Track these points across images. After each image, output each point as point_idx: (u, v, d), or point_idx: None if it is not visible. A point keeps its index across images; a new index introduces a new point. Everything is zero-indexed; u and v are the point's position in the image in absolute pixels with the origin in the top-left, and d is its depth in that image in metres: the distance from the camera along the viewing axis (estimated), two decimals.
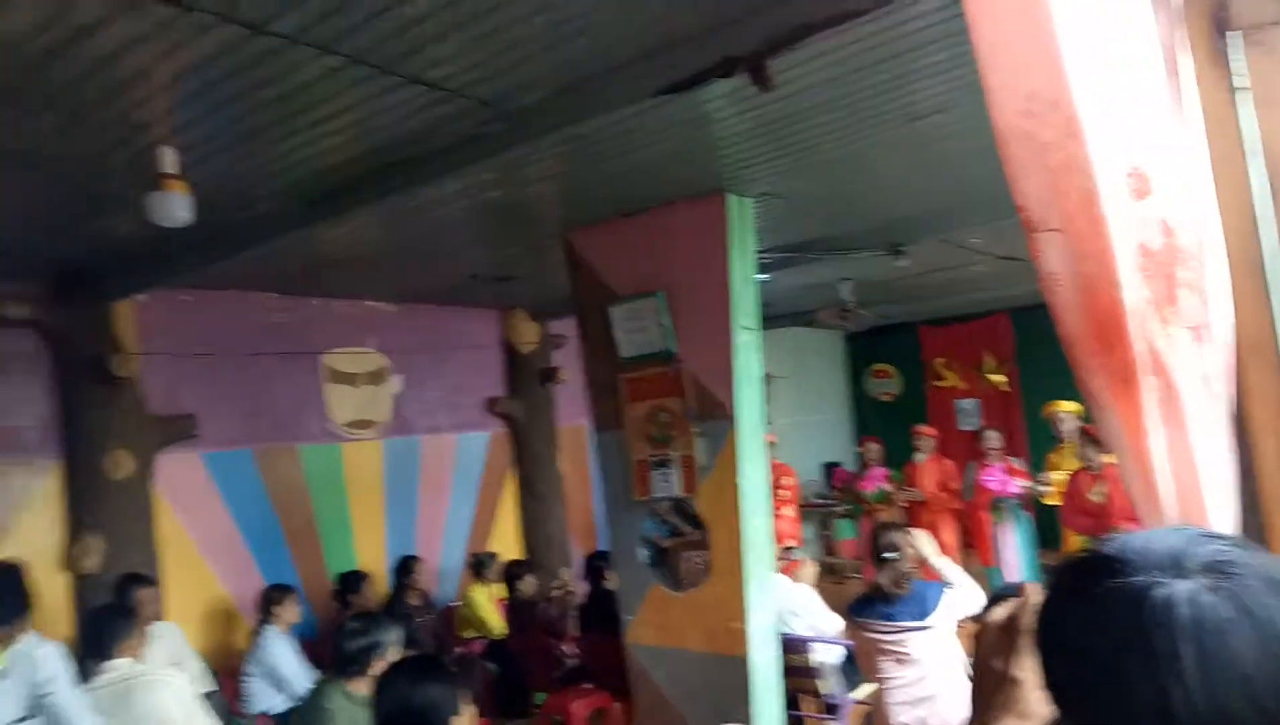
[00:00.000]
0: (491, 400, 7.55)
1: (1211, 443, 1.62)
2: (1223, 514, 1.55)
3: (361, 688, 3.02)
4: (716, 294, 4.37)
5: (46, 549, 5.04)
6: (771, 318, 5.30)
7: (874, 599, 3.63)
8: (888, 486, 7.49)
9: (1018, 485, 6.89)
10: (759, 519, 4.52)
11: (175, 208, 2.60)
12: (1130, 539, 0.72)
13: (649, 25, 2.59)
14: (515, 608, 6.15)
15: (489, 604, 6.34)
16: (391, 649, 3.09)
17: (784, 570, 5.27)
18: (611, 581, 5.45)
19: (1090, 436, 5.77)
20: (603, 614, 5.29)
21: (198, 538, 5.75)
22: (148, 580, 4.82)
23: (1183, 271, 1.54)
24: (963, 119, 3.49)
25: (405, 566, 6.27)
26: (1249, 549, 0.69)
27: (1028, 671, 0.86)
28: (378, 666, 3.01)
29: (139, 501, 5.29)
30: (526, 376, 7.67)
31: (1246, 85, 1.58)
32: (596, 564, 5.80)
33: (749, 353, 4.49)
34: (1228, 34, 1.59)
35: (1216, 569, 0.66)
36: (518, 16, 2.49)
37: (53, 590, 4.90)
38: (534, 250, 5.36)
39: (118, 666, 3.23)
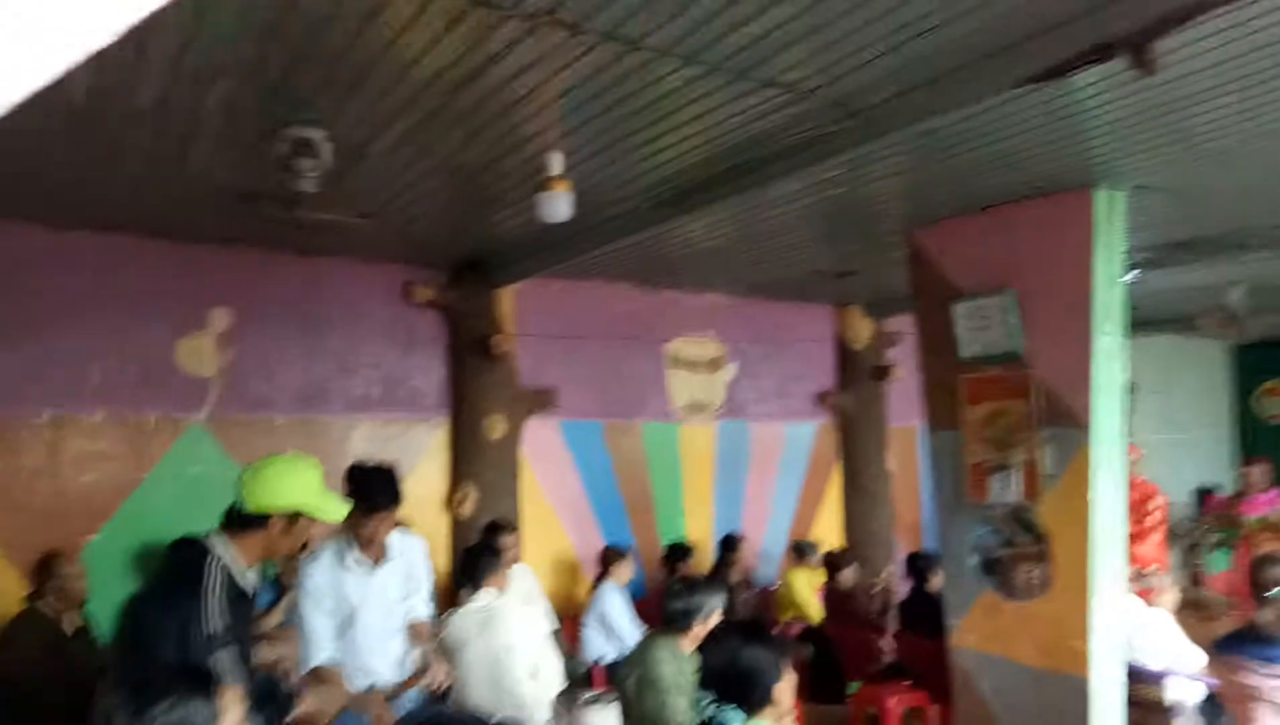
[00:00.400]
0: (822, 393, 7.60)
1: None
2: None
3: (685, 645, 3.23)
4: (1075, 294, 4.05)
5: (434, 494, 5.94)
6: (1139, 323, 4.80)
7: (1251, 637, 3.20)
8: (1272, 515, 6.43)
9: None
10: (1111, 535, 4.16)
11: (559, 205, 2.96)
12: None
13: (1010, 15, 2.49)
14: (833, 596, 6.18)
15: (809, 589, 6.43)
16: (713, 614, 3.26)
17: (1140, 594, 4.78)
18: (935, 583, 5.29)
19: None
20: (923, 614, 5.17)
21: (552, 496, 6.43)
22: (511, 527, 5.46)
23: None
24: None
25: (730, 543, 6.52)
26: None
27: None
28: (699, 628, 3.21)
29: (508, 460, 6.04)
30: (858, 372, 7.62)
31: None
32: (920, 564, 5.66)
33: (1110, 359, 4.12)
34: None
35: None
36: (871, 16, 2.51)
37: (437, 529, 5.77)
38: (873, 246, 5.32)
39: (484, 597, 3.68)
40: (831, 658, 5.92)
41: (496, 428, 5.92)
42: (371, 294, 5.77)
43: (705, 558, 6.70)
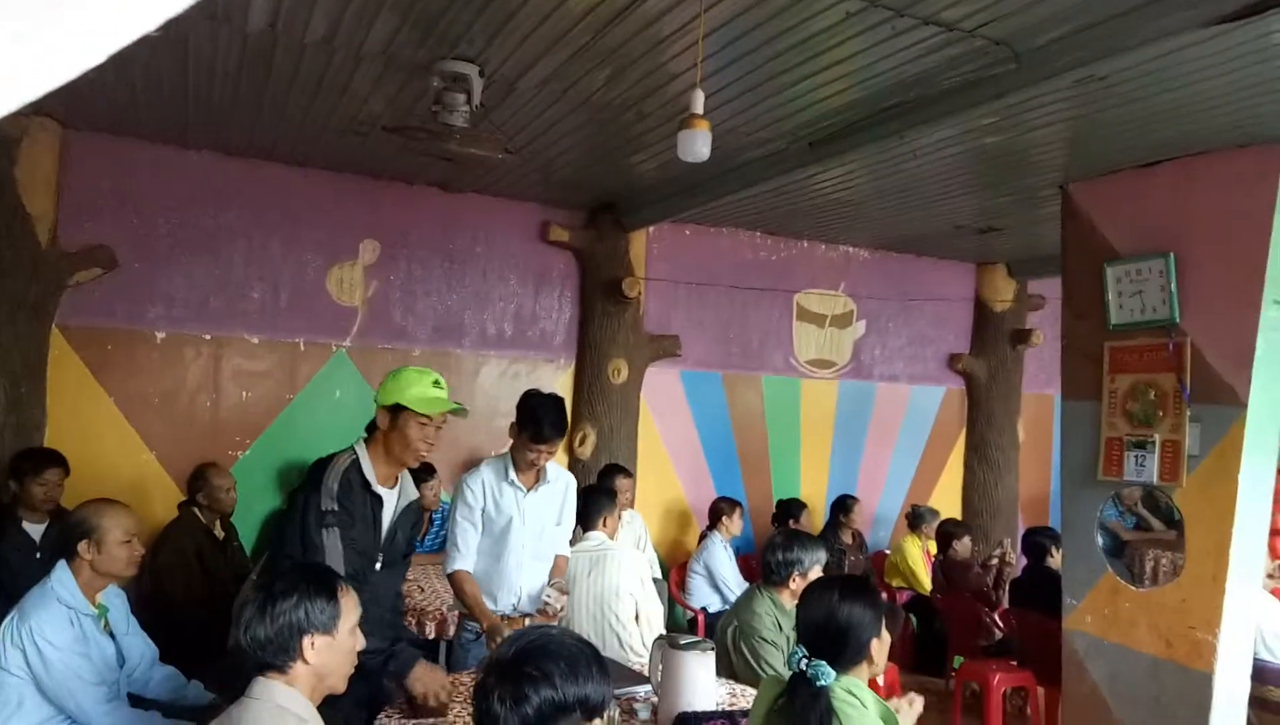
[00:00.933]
0: (953, 356, 7.37)
1: None
2: None
3: (785, 597, 3.23)
4: (1247, 261, 3.77)
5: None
6: None
7: None
8: None
9: None
10: (1254, 524, 3.91)
11: (699, 144, 2.95)
12: None
13: None
14: (946, 567, 6.04)
15: (919, 557, 6.31)
16: (813, 568, 3.24)
17: (1274, 592, 4.50)
18: (1055, 560, 5.10)
19: None
20: (1039, 592, 5.00)
21: (668, 444, 6.50)
22: (627, 472, 5.57)
23: None
24: None
25: (843, 504, 6.48)
26: None
27: None
28: (797, 581, 3.20)
29: (629, 405, 6.12)
30: (994, 336, 7.34)
31: None
32: (1040, 540, 5.45)
33: (1278, 333, 3.83)
34: None
35: None
36: None
37: None
38: (1023, 201, 5.09)
39: (596, 537, 3.75)
40: (937, 629, 5.83)
41: (620, 372, 6.01)
42: (509, 233, 5.91)
43: (818, 517, 6.68)
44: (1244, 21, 2.38)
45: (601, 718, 1.56)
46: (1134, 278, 4.17)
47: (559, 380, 6.11)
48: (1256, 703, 4.07)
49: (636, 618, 3.72)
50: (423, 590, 4.38)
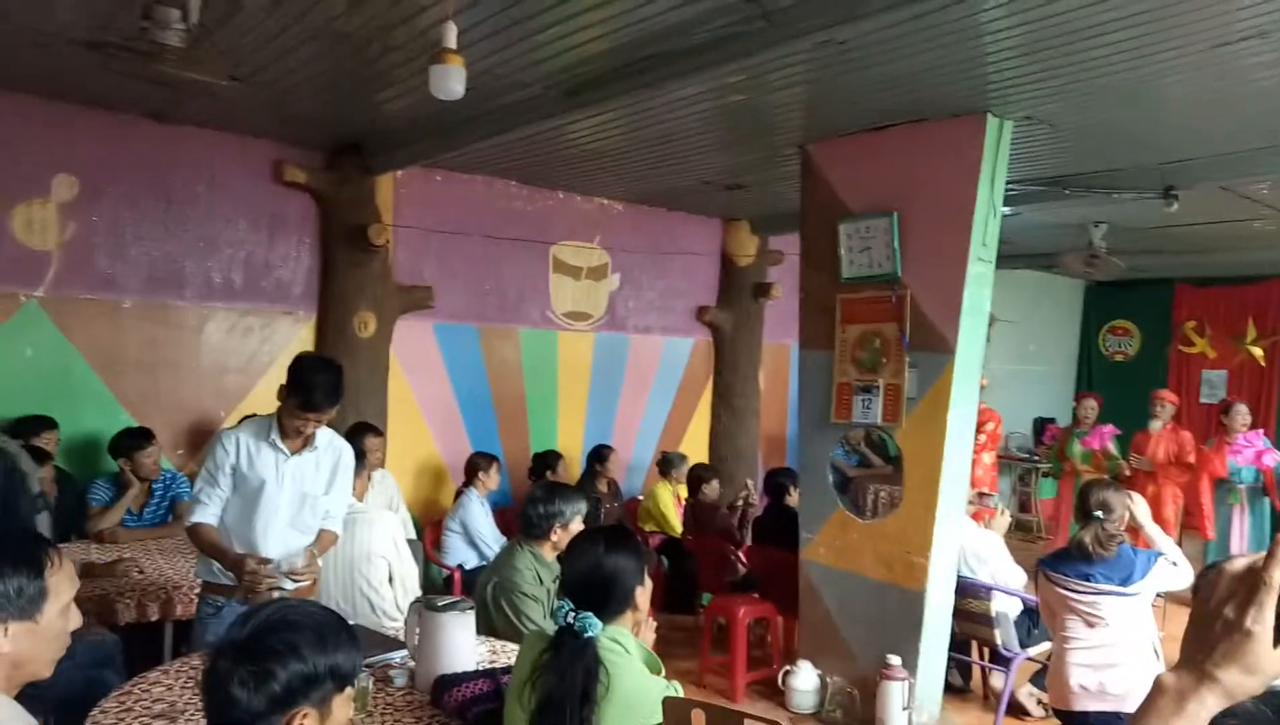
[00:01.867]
0: (701, 308, 7.66)
1: None
2: None
3: (546, 550, 3.23)
4: (956, 221, 4.18)
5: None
6: (1005, 257, 5.01)
7: (1071, 556, 3.46)
8: (1110, 447, 6.97)
9: (1272, 459, 6.27)
10: (959, 459, 4.40)
11: (452, 80, 2.79)
12: None
13: None
14: (696, 510, 6.34)
15: (670, 502, 6.57)
16: (574, 520, 3.25)
17: (975, 516, 5.12)
18: (793, 499, 5.50)
19: None
20: (779, 530, 5.37)
21: (421, 400, 6.27)
22: (377, 431, 5.32)
23: None
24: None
25: (599, 454, 6.59)
26: None
27: (1263, 625, 0.84)
28: (559, 534, 3.21)
29: (377, 360, 5.83)
30: (739, 289, 7.71)
31: None
32: (780, 481, 5.85)
33: (981, 287, 4.30)
34: None
35: None
36: None
37: None
38: (767, 160, 5.31)
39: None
40: (688, 570, 6.11)
41: (366, 325, 5.69)
42: (238, 172, 5.36)
43: (575, 468, 6.75)
44: None
45: (352, 685, 1.49)
46: (863, 235, 4.50)
47: (299, 334, 5.69)
48: (959, 614, 4.62)
49: (390, 581, 3.62)
50: (142, 571, 3.93)
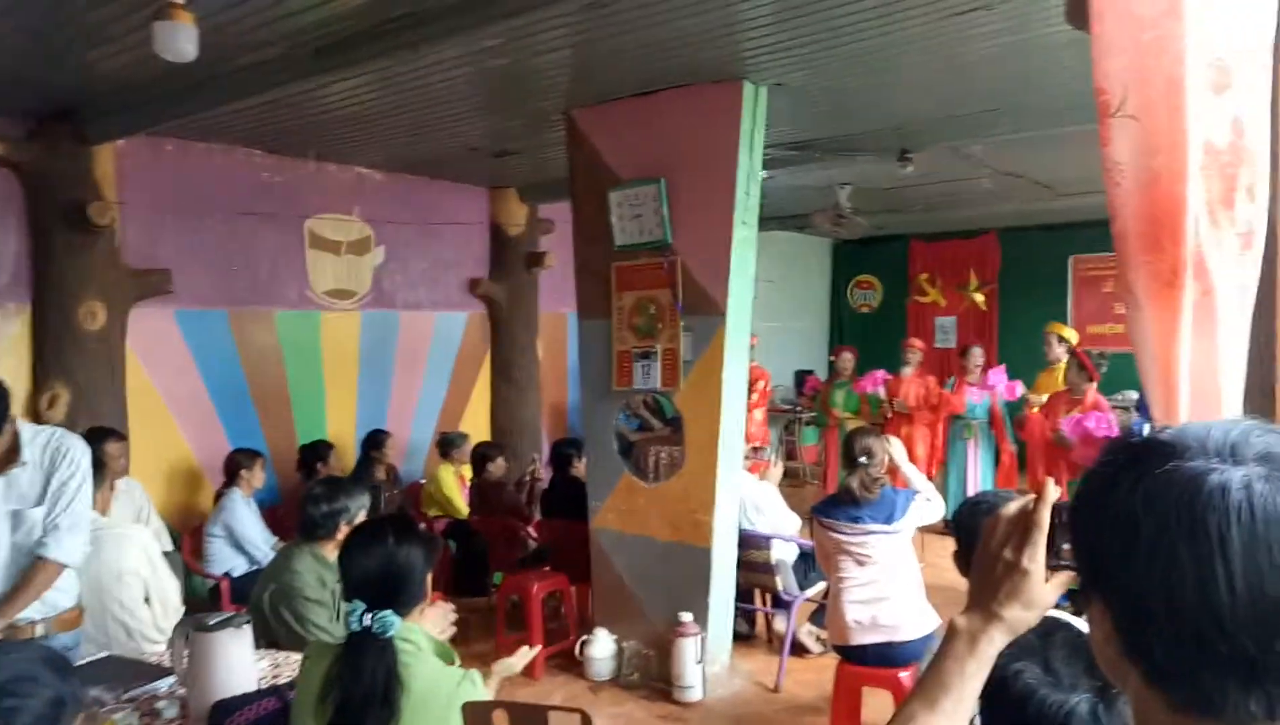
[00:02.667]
0: (474, 281, 7.46)
1: (1235, 351, 1.63)
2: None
3: (329, 551, 3.03)
4: (720, 186, 4.29)
5: (13, 396, 4.93)
6: (762, 219, 5.24)
7: (841, 501, 3.70)
8: (881, 392, 7.53)
9: (1019, 391, 7.02)
10: (735, 417, 4.57)
11: (182, 40, 2.46)
12: (1188, 426, 0.73)
13: None
14: (482, 489, 6.21)
15: (454, 484, 6.39)
16: (358, 515, 3.10)
17: (751, 469, 5.36)
18: (579, 469, 5.50)
19: (1080, 362, 5.72)
20: (567, 500, 5.36)
21: (167, 396, 5.69)
22: (117, 435, 4.76)
23: (1245, 173, 1.51)
24: (1004, 17, 3.40)
25: (374, 440, 6.29)
26: None
27: (1037, 563, 0.90)
28: (344, 531, 3.01)
29: (111, 354, 5.22)
30: (511, 259, 7.57)
31: None
32: (565, 452, 5.83)
33: (746, 250, 4.45)
34: None
35: (1271, 459, 0.67)
36: None
37: None
38: (534, 125, 5.20)
39: None
40: (476, 551, 5.99)
41: (94, 316, 5.06)
42: None
43: (348, 457, 6.41)
44: None
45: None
46: (633, 203, 4.52)
47: (11, 329, 4.98)
48: (742, 564, 4.83)
49: (147, 600, 3.30)
50: None
